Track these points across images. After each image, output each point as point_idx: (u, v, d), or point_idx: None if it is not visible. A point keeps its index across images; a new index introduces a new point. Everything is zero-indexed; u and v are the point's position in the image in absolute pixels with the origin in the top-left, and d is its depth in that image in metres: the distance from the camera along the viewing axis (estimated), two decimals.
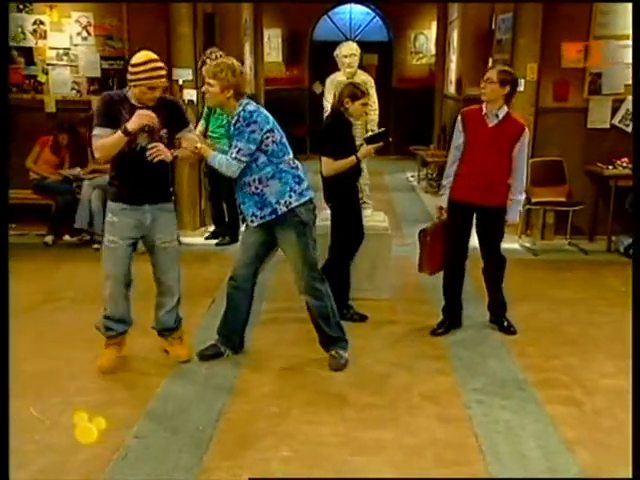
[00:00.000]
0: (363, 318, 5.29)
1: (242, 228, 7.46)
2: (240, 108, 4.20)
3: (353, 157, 4.95)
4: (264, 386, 4.23)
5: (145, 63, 4.05)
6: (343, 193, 5.12)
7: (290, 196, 4.26)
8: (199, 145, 4.25)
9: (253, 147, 4.16)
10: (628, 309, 5.48)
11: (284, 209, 4.25)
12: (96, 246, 7.17)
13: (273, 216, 4.27)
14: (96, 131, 4.11)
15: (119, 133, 4.01)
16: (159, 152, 4.06)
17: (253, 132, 4.15)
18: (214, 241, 7.73)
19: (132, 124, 3.99)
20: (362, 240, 5.29)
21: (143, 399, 4.02)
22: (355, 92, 5.01)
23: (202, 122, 7.18)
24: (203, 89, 4.36)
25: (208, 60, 6.91)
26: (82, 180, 7.44)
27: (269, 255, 4.56)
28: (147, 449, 3.50)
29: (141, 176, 4.19)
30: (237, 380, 4.32)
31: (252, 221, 4.34)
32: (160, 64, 4.11)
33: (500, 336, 5.03)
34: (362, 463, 3.38)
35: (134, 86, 4.10)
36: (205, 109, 7.18)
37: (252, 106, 4.24)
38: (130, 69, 4.11)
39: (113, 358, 4.43)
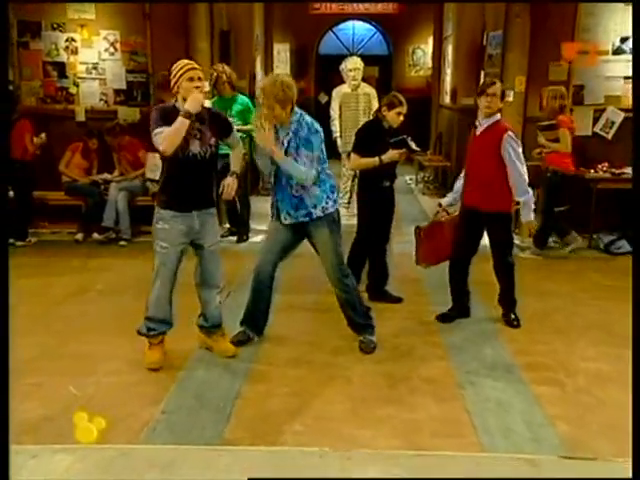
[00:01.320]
0: (398, 300, 5.44)
1: (252, 224, 7.61)
2: (298, 117, 4.20)
3: (376, 158, 5.03)
4: (278, 369, 4.27)
5: (177, 65, 4.05)
6: (370, 190, 5.24)
7: (327, 202, 4.31)
8: (276, 151, 4.17)
9: (320, 154, 4.22)
10: (609, 300, 5.63)
11: (320, 214, 4.30)
12: (122, 243, 7.31)
13: (307, 219, 4.31)
14: (157, 130, 3.97)
15: (180, 118, 3.90)
16: (231, 187, 4.23)
17: (318, 139, 4.20)
18: (232, 238, 7.66)
19: (190, 107, 3.90)
20: (386, 242, 5.41)
21: (169, 380, 4.07)
22: (393, 101, 5.08)
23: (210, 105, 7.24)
24: (263, 113, 4.19)
25: (214, 73, 7.13)
26: (109, 183, 7.52)
27: (292, 251, 4.59)
28: (173, 423, 3.55)
29: (191, 183, 4.12)
30: (253, 364, 4.35)
31: (285, 219, 4.36)
32: (191, 62, 4.09)
33: (492, 325, 5.05)
34: (367, 436, 3.43)
35: (177, 88, 4.02)
36: (214, 99, 7.18)
37: (307, 115, 4.28)
38: (171, 78, 4.07)
39: (159, 357, 4.32)
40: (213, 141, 4.16)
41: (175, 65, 4.10)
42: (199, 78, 4.02)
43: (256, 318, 4.66)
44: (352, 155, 5.15)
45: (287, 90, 4.12)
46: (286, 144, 4.21)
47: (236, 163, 4.45)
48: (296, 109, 4.25)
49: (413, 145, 5.18)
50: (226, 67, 7.32)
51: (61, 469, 1.76)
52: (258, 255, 4.61)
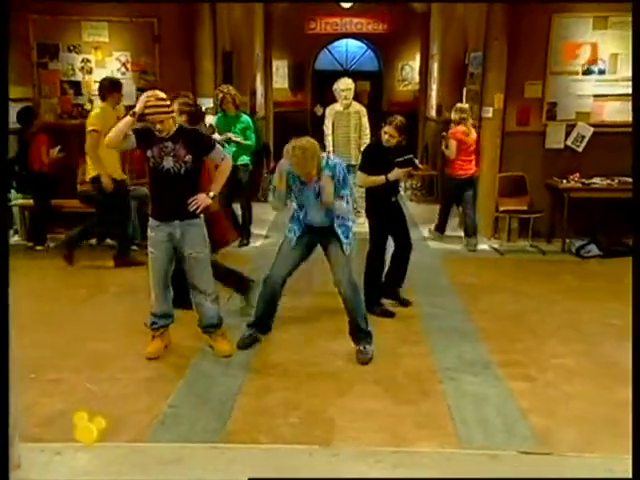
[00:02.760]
0: (408, 303, 5.43)
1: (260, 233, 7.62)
2: (328, 163, 4.31)
3: (383, 177, 5.07)
4: (276, 366, 4.30)
5: (159, 100, 4.16)
6: (378, 205, 5.28)
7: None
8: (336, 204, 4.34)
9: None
10: (578, 300, 5.70)
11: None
12: (133, 247, 7.35)
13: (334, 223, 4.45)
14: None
15: (128, 116, 4.17)
16: (198, 204, 4.22)
17: (348, 179, 4.41)
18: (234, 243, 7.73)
19: (137, 107, 4.14)
20: (409, 249, 5.37)
21: (176, 376, 4.11)
22: (384, 122, 5.17)
23: (214, 120, 7.35)
24: (304, 178, 4.30)
25: (220, 94, 7.24)
26: None
27: (301, 264, 4.63)
28: (180, 416, 3.60)
29: (169, 195, 4.22)
30: (254, 362, 4.39)
31: (312, 224, 4.48)
32: (161, 101, 4.16)
33: (471, 324, 5.08)
34: (355, 428, 3.47)
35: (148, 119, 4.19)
36: (218, 116, 7.34)
37: (330, 159, 4.41)
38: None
39: (158, 347, 4.44)
40: (188, 158, 4.20)
41: (152, 94, 4.20)
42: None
43: (265, 321, 4.70)
44: (359, 174, 5.22)
45: (315, 157, 4.20)
46: (318, 189, 4.34)
47: (218, 180, 4.43)
48: (322, 155, 4.34)
49: (417, 163, 5.27)
50: (231, 88, 7.43)
51: (82, 464, 1.84)
52: (272, 268, 4.58)
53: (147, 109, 4.15)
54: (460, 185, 7.59)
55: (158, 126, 4.15)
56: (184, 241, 4.29)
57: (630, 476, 1.84)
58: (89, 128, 6.27)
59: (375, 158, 5.18)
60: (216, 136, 7.34)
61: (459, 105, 7.77)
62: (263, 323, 4.69)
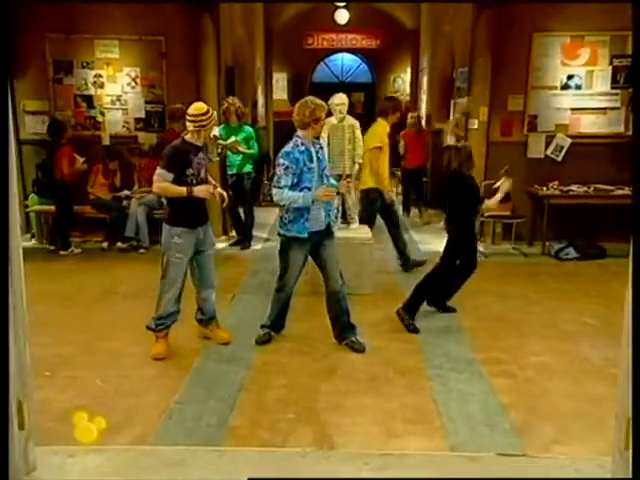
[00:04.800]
0: (453, 310, 5.33)
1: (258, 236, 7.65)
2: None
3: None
4: (275, 364, 4.31)
5: (207, 112, 4.21)
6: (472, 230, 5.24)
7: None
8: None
9: None
10: (557, 300, 5.73)
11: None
12: (141, 251, 7.37)
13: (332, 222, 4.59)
14: (161, 171, 4.19)
15: (184, 189, 4.16)
16: (224, 198, 4.44)
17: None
18: (238, 247, 7.67)
19: (199, 192, 4.19)
20: (473, 269, 5.19)
21: (182, 374, 4.12)
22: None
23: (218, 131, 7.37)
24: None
25: (224, 104, 7.30)
26: (130, 198, 7.58)
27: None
28: (186, 412, 3.61)
29: (202, 202, 4.35)
30: (254, 360, 4.40)
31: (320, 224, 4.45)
32: (212, 110, 4.31)
33: (457, 323, 5.08)
34: (348, 423, 3.49)
35: (199, 130, 4.20)
36: (222, 126, 7.35)
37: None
38: (195, 118, 4.18)
39: (164, 348, 4.44)
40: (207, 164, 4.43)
41: (204, 108, 4.23)
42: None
43: (280, 322, 4.74)
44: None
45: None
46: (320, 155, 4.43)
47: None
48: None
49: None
50: (236, 100, 7.51)
51: (93, 467, 1.86)
52: (286, 278, 4.55)
53: (207, 120, 4.20)
54: (411, 173, 9.63)
55: (208, 135, 4.31)
56: (205, 240, 4.42)
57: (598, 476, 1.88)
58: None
59: None
60: (217, 133, 7.34)
61: (411, 114, 9.84)
62: (278, 324, 4.73)
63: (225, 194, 4.54)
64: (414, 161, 9.53)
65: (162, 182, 4.20)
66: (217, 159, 6.77)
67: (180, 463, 1.89)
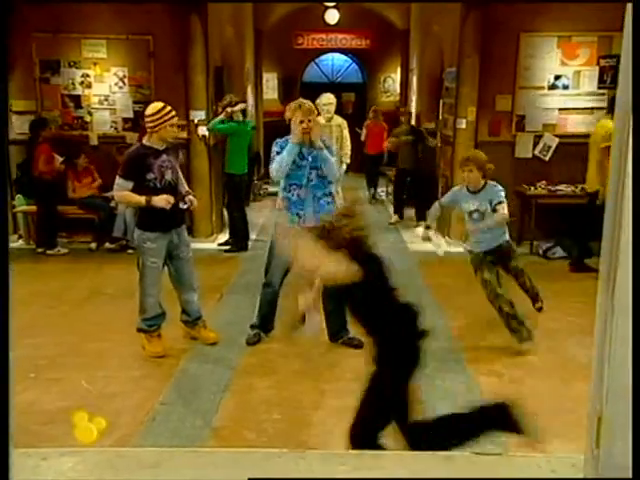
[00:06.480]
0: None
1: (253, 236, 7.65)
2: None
3: None
4: (260, 366, 4.30)
5: (159, 111, 4.08)
6: None
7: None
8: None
9: None
10: (546, 300, 5.64)
11: None
12: (130, 251, 7.25)
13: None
14: (119, 181, 4.10)
15: (143, 199, 4.05)
16: (193, 202, 4.37)
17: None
18: (226, 247, 7.62)
19: (157, 202, 4.06)
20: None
21: (168, 375, 4.11)
22: None
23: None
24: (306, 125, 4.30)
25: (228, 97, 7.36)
26: None
27: None
28: (171, 413, 3.60)
29: (171, 207, 4.22)
30: (239, 362, 4.38)
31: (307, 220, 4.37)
32: (169, 107, 4.15)
33: (445, 322, 5.07)
34: (333, 423, 3.46)
35: (157, 130, 4.08)
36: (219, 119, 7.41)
37: None
38: (151, 117, 4.08)
39: (162, 345, 4.44)
40: (176, 166, 4.31)
41: (158, 106, 4.12)
42: (179, 126, 4.23)
43: (269, 321, 4.70)
44: None
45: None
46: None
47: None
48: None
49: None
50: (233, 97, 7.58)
51: (66, 469, 1.84)
52: (270, 273, 4.54)
53: (164, 117, 4.07)
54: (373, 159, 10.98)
55: (171, 132, 4.15)
56: (180, 244, 4.34)
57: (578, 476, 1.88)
58: None
59: None
60: (206, 133, 7.52)
61: (374, 108, 11.81)
62: (266, 324, 4.69)
63: (195, 201, 4.45)
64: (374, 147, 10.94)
65: (120, 191, 4.12)
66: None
67: (156, 465, 1.88)
